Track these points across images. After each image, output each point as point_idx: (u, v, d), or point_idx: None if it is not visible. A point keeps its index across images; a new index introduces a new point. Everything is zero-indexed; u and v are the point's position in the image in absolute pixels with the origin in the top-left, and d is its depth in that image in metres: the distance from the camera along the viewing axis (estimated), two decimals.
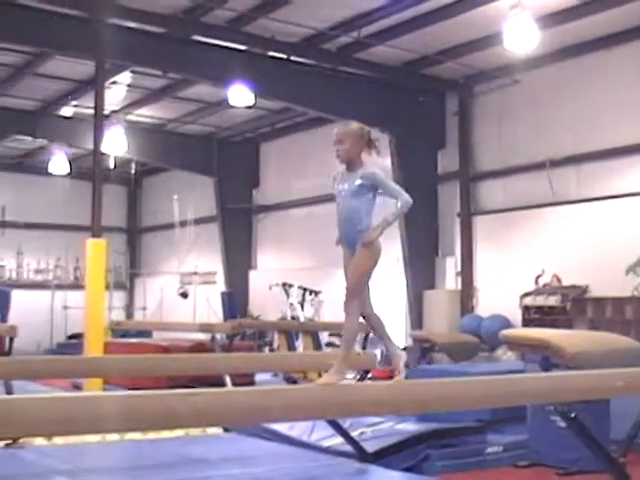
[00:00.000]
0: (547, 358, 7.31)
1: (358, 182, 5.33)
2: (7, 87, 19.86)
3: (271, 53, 17.09)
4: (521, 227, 17.28)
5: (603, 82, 15.99)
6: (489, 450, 8.72)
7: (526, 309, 16.60)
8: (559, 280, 16.31)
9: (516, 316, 16.60)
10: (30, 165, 27.34)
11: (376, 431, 8.75)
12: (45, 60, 17.82)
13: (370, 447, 7.82)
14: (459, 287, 18.43)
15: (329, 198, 19.68)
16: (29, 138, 23.35)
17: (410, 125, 18.45)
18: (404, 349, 16.64)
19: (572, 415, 6.18)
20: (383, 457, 7.79)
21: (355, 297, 5.37)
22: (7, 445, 5.39)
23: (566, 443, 7.64)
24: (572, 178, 16.47)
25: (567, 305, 16.02)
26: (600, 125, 15.96)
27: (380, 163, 19.18)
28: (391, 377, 5.12)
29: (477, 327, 16.83)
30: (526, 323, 16.29)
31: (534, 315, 16.40)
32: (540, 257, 16.68)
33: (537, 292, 16.57)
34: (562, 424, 6.98)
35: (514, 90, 17.49)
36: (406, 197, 5.35)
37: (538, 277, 16.61)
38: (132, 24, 15.56)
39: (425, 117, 18.78)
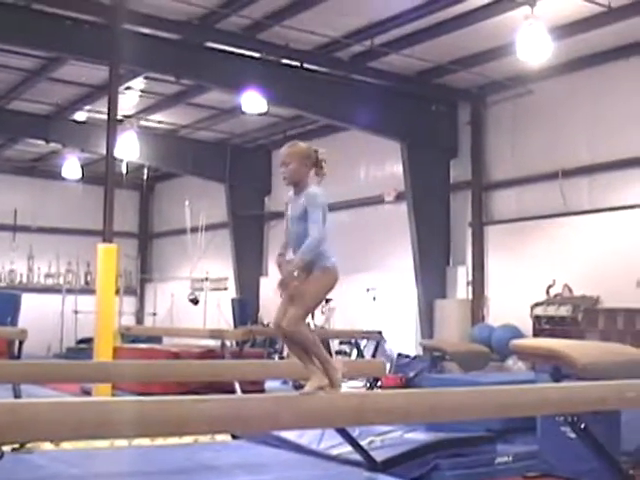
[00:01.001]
0: (558, 368, 7.27)
1: (302, 205, 5.18)
2: (21, 91, 19.93)
3: (284, 61, 17.10)
4: (533, 237, 17.24)
5: (616, 92, 15.96)
6: (499, 460, 8.68)
7: (537, 319, 16.55)
8: (570, 290, 16.26)
9: (527, 326, 16.55)
10: (43, 169, 27.42)
11: (385, 440, 8.72)
12: (59, 65, 17.87)
13: (379, 456, 7.79)
14: (470, 296, 18.38)
15: (342, 206, 19.76)
16: (42, 142, 23.40)
17: (422, 134, 18.45)
18: (414, 358, 16.68)
19: (582, 426, 6.16)
20: (392, 466, 7.76)
21: (303, 320, 5.02)
22: (14, 450, 5.39)
23: (576, 454, 7.60)
24: (584, 188, 16.43)
25: (578, 316, 15.97)
26: (613, 135, 15.92)
27: (393, 171, 19.31)
28: (402, 386, 5.09)
29: (488, 337, 16.79)
30: (537, 333, 16.24)
31: (545, 325, 16.36)
32: (551, 267, 16.63)
33: (548, 302, 16.52)
34: (572, 435, 6.95)
35: (527, 100, 17.47)
36: (315, 236, 5.00)
37: (549, 287, 16.57)
38: (147, 30, 15.60)
39: (437, 126, 18.77)
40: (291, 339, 4.98)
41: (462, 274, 18.65)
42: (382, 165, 20.68)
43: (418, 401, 5.03)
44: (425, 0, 14.35)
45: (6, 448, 4.36)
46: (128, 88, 18.91)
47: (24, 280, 27.49)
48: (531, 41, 13.98)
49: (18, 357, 11.15)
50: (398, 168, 19.09)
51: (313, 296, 5.04)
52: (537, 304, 16.62)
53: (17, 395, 9.56)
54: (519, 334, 16.06)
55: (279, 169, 5.32)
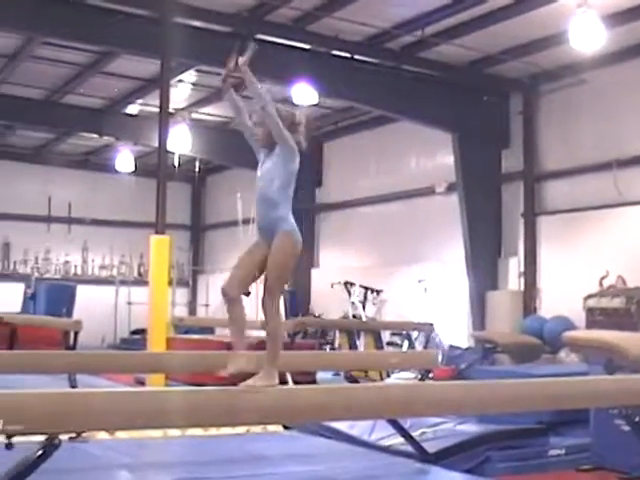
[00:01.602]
0: (611, 360, 7.21)
1: (273, 160, 5.13)
2: (75, 86, 20.14)
3: (335, 52, 17.09)
4: (586, 228, 17.07)
5: None
6: (551, 453, 8.64)
7: (590, 311, 16.37)
8: (624, 282, 16.07)
9: (580, 318, 16.37)
10: (96, 162, 27.68)
11: (437, 432, 8.72)
12: (112, 59, 18.03)
13: (431, 447, 7.78)
14: (522, 288, 18.25)
15: (392, 197, 19.76)
16: (95, 136, 23.65)
17: (474, 125, 18.33)
18: (466, 350, 16.62)
19: (637, 419, 6.10)
20: (444, 458, 7.75)
21: (276, 294, 5.07)
22: (71, 439, 5.47)
23: (630, 447, 7.53)
24: (639, 178, 16.23)
25: (632, 307, 15.78)
26: None
27: (444, 162, 19.25)
28: (454, 378, 5.08)
29: (540, 328, 16.65)
30: (590, 325, 16.07)
31: (598, 317, 16.17)
32: (605, 258, 16.45)
33: (601, 294, 16.33)
34: (626, 428, 6.90)
35: (580, 89, 17.27)
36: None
37: (602, 278, 16.39)
38: (197, 23, 15.67)
39: (489, 116, 18.64)
40: (265, 324, 5.08)
41: (514, 265, 18.53)
42: (433, 156, 20.61)
43: (470, 393, 5.03)
44: None
45: (63, 437, 4.41)
46: (180, 81, 19.01)
47: (79, 272, 27.82)
48: (584, 29, 13.85)
49: (73, 348, 11.32)
50: (449, 159, 19.00)
51: (283, 263, 5.07)
52: (590, 296, 16.43)
53: (73, 385, 9.68)
54: (571, 326, 15.92)
55: (248, 126, 5.29)
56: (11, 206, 26.49)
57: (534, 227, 18.15)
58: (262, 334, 16.22)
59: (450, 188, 19.39)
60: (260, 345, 14.50)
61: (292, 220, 5.14)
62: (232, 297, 5.05)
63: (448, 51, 16.84)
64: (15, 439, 4.18)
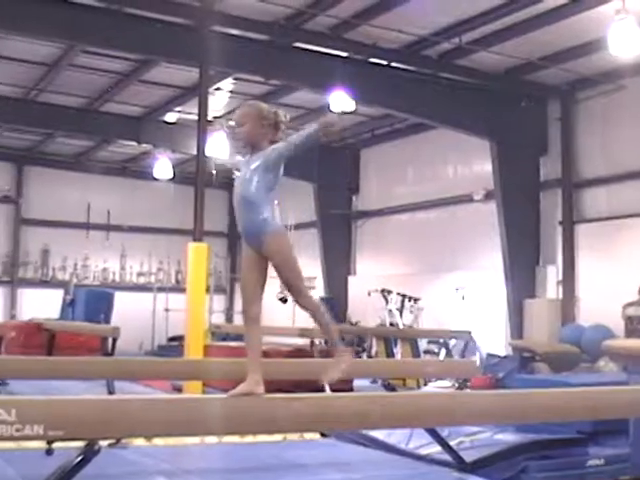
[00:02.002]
0: None
1: (254, 165, 4.98)
2: (113, 94, 20.30)
3: (372, 59, 17.11)
4: (625, 235, 16.93)
5: None
6: (590, 463, 8.54)
7: (629, 319, 16.23)
8: None
9: (619, 326, 16.25)
10: (134, 170, 27.87)
11: (474, 441, 8.66)
12: (150, 67, 18.15)
13: (468, 457, 7.74)
14: (560, 296, 18.14)
15: (430, 205, 19.73)
16: (134, 143, 23.79)
17: (512, 132, 18.26)
18: (504, 358, 16.52)
19: None
20: (481, 467, 7.70)
21: (305, 291, 5.12)
22: (110, 445, 5.52)
23: None
24: None
25: None
26: None
27: (482, 170, 19.16)
28: (492, 387, 5.06)
29: (578, 337, 16.54)
30: (629, 334, 15.94)
31: (637, 326, 16.04)
32: None
33: None
34: None
35: (619, 96, 17.16)
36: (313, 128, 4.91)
37: None
38: (235, 31, 15.76)
39: (527, 123, 18.55)
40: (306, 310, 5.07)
41: (552, 273, 18.42)
42: (470, 164, 20.56)
43: (510, 402, 5.00)
44: None
45: (103, 443, 4.44)
46: (218, 89, 19.11)
47: (117, 278, 28.02)
48: (622, 36, 13.76)
49: (111, 354, 11.38)
50: (487, 166, 18.94)
51: (292, 258, 5.06)
52: (629, 304, 16.29)
53: (110, 391, 9.74)
54: (610, 334, 15.80)
55: (235, 131, 5.14)
56: (51, 213, 26.78)
57: (572, 235, 18.03)
58: (298, 341, 16.14)
59: (488, 196, 19.33)
60: (294, 353, 14.52)
61: (276, 220, 5.06)
62: (254, 316, 5.00)
63: (486, 58, 16.80)
64: (55, 444, 4.22)
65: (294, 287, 5.05)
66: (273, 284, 22.06)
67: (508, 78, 17.88)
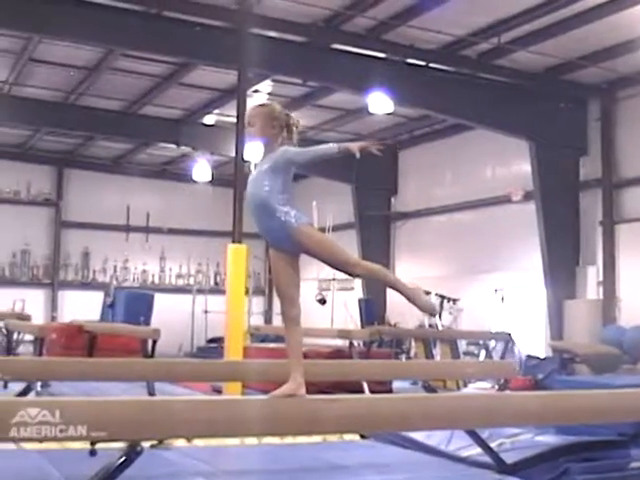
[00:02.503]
0: None
1: (263, 166, 4.91)
2: (153, 97, 20.43)
3: (410, 60, 17.09)
4: None
5: None
6: (632, 465, 8.46)
7: None
8: None
9: None
10: (173, 172, 28.04)
11: (515, 442, 8.62)
12: (189, 70, 18.25)
13: (509, 458, 7.70)
14: (601, 297, 18.01)
15: (469, 205, 19.65)
16: (173, 146, 23.90)
17: (551, 132, 18.16)
18: (543, 359, 16.43)
19: None
20: (522, 469, 7.66)
21: (359, 262, 5.11)
22: (152, 446, 5.56)
23: None
24: None
25: None
26: None
27: (520, 170, 19.06)
28: (532, 388, 5.03)
29: (619, 338, 16.42)
30: None
31: None
32: None
33: None
34: None
35: None
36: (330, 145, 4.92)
37: None
38: (273, 33, 15.81)
39: (566, 123, 18.44)
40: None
41: (592, 274, 18.29)
42: (509, 164, 20.46)
43: (552, 404, 4.97)
44: None
45: (145, 444, 4.47)
46: (256, 91, 19.15)
47: (156, 280, 28.19)
48: None
49: (152, 356, 11.44)
50: (526, 167, 18.84)
51: (329, 241, 5.08)
52: None
53: (151, 393, 9.79)
54: None
55: (246, 131, 5.07)
56: (91, 216, 27.01)
57: (613, 235, 17.90)
58: (337, 343, 16.10)
59: (527, 196, 19.22)
60: (333, 354, 14.51)
61: (294, 215, 4.92)
62: (293, 317, 5.04)
63: (524, 58, 16.73)
64: (98, 445, 4.25)
65: (342, 262, 5.00)
66: (311, 286, 22.36)
67: (547, 78, 17.78)
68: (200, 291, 26.43)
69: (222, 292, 15.21)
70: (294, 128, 5.04)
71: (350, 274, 5.07)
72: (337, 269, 5.05)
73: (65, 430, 3.93)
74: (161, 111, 21.60)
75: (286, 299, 5.05)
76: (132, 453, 4.37)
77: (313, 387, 10.50)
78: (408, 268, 23.80)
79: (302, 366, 4.92)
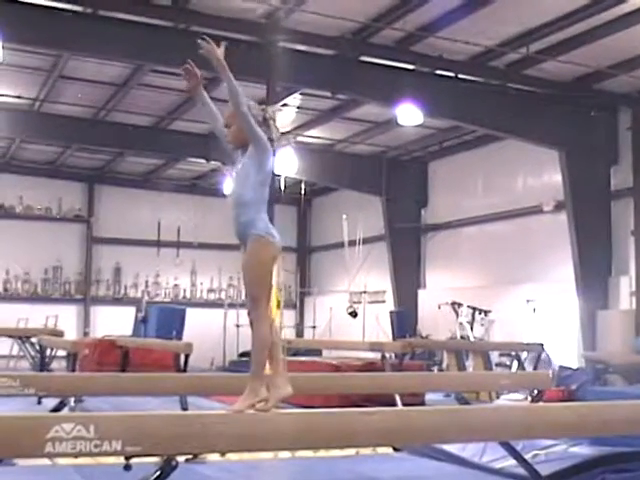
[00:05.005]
0: None
1: (245, 161, 4.89)
2: (182, 112, 20.53)
3: (439, 71, 17.07)
4: None
5: None
6: None
7: None
8: None
9: None
10: (204, 187, 28.11)
11: (549, 454, 8.56)
12: (217, 85, 18.27)
13: (544, 470, 7.64)
14: (634, 307, 17.86)
15: (499, 216, 19.53)
16: (203, 161, 23.97)
17: (581, 141, 18.06)
18: (576, 370, 16.32)
19: None
20: None
21: (261, 304, 4.76)
22: (187, 460, 5.56)
23: None
24: None
25: None
26: None
27: (551, 181, 18.94)
28: (565, 399, 4.97)
29: None
30: None
31: None
32: None
33: None
34: None
35: None
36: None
37: None
38: (301, 47, 15.84)
39: (597, 132, 18.32)
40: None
41: (625, 284, 18.14)
42: (540, 174, 20.36)
43: (587, 415, 4.93)
44: (580, 5, 14.09)
45: (180, 459, 4.48)
46: (285, 105, 19.18)
47: (187, 295, 28.28)
48: None
49: (184, 370, 11.47)
50: (557, 177, 18.75)
51: (258, 270, 4.80)
52: None
53: (184, 407, 9.83)
54: None
55: (224, 131, 5.09)
56: (122, 231, 27.15)
57: None
58: (368, 355, 16.10)
59: (558, 206, 19.12)
60: (366, 367, 14.45)
61: (263, 223, 4.91)
62: (256, 319, 4.82)
63: (554, 67, 16.67)
64: (133, 460, 4.26)
65: (256, 303, 4.77)
66: (342, 298, 22.26)
67: (577, 87, 17.70)
68: (232, 305, 26.43)
69: None
70: (271, 122, 5.05)
71: (249, 313, 4.84)
72: (249, 302, 4.84)
73: (100, 445, 3.94)
74: (190, 126, 21.66)
75: (250, 298, 4.84)
76: (167, 467, 4.37)
77: (346, 400, 10.51)
78: (439, 280, 23.75)
79: (263, 373, 4.86)
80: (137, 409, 8.59)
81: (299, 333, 28.11)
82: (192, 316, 22.37)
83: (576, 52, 15.79)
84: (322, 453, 7.91)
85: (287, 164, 21.57)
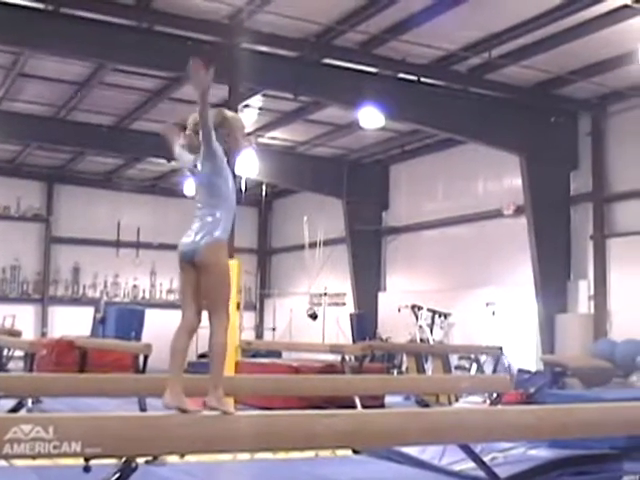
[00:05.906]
0: None
1: (201, 168, 5.02)
2: (143, 112, 20.40)
3: (401, 75, 17.11)
4: None
5: None
6: (625, 479, 8.46)
7: None
8: None
9: None
10: (164, 187, 28.00)
11: (508, 456, 8.59)
12: (180, 85, 18.22)
13: (502, 473, 7.66)
14: (592, 311, 18.01)
15: (460, 220, 19.64)
16: (163, 161, 23.85)
17: (542, 146, 18.19)
18: (535, 373, 16.42)
19: None
20: None
21: (223, 311, 4.78)
22: (147, 462, 5.51)
23: None
24: None
25: None
26: None
27: (512, 185, 19.06)
28: (523, 402, 5.00)
29: (611, 352, 16.41)
30: None
31: None
32: None
33: None
34: None
35: None
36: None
37: None
38: (265, 48, 15.81)
39: (557, 138, 18.47)
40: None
41: (583, 288, 18.30)
42: (500, 178, 20.48)
43: (546, 418, 4.96)
44: (543, 10, 14.18)
45: (140, 460, 4.44)
46: (247, 106, 19.13)
47: (147, 296, 28.13)
48: None
49: (143, 371, 11.42)
50: (517, 181, 18.88)
51: (225, 280, 4.85)
52: None
53: (142, 408, 9.76)
54: None
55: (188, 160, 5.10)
56: (81, 231, 26.96)
57: (604, 249, 17.92)
58: (328, 357, 16.05)
59: (518, 210, 19.24)
60: (325, 369, 14.44)
61: (218, 231, 5.04)
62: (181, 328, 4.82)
63: (515, 73, 16.77)
64: (92, 462, 4.22)
65: (219, 311, 4.77)
66: (302, 300, 22.26)
67: (538, 92, 17.83)
68: None
69: None
70: (235, 130, 5.16)
71: (210, 324, 4.81)
72: (209, 309, 4.81)
73: (59, 446, 3.90)
74: (152, 126, 21.49)
75: (216, 306, 4.83)
76: (127, 469, 4.34)
77: (306, 402, 10.49)
78: (399, 283, 23.80)
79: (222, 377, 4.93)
80: (95, 410, 8.53)
81: (259, 335, 28.08)
82: (151, 317, 22.29)
83: (537, 58, 15.90)
84: (282, 455, 7.89)
85: (249, 165, 21.51)
